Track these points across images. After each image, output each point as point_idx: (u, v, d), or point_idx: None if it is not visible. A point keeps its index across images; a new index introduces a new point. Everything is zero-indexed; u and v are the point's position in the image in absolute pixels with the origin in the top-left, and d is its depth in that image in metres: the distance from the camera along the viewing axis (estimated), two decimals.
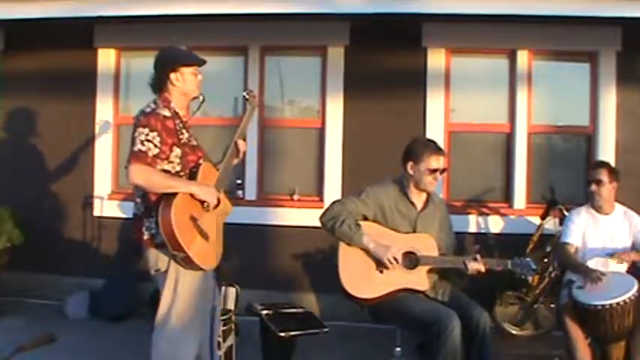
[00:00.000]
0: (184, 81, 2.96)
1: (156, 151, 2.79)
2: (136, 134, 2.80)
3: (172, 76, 2.94)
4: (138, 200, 2.92)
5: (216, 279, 3.12)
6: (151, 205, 2.84)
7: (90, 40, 5.55)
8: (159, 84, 2.98)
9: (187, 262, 2.78)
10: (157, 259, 2.89)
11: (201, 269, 2.85)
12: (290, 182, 5.48)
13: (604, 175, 3.69)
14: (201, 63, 3.02)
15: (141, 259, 3.01)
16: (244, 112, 3.28)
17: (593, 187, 3.69)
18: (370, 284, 3.29)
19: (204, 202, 2.86)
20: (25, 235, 5.14)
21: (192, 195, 2.82)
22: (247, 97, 3.25)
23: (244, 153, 3.20)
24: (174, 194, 2.76)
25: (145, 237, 2.87)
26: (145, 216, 2.87)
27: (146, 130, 2.79)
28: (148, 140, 2.78)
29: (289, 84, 5.60)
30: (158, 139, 2.80)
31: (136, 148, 2.77)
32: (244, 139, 3.19)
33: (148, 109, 2.89)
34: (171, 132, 2.86)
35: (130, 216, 3.04)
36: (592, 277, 3.38)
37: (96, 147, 5.59)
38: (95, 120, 5.59)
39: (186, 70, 2.96)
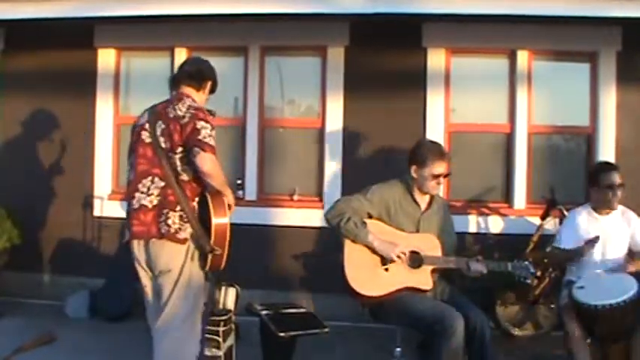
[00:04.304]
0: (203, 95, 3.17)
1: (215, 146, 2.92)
2: (199, 126, 2.86)
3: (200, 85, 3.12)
4: (154, 192, 2.88)
5: (213, 279, 3.15)
6: (180, 199, 2.85)
7: (90, 40, 5.55)
8: (181, 82, 3.08)
9: (215, 260, 2.87)
10: (169, 259, 2.88)
11: (219, 269, 2.94)
12: (290, 182, 5.48)
13: (620, 178, 3.67)
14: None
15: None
16: None
17: (618, 191, 3.64)
18: (376, 282, 3.30)
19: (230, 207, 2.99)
20: (25, 235, 5.13)
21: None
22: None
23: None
24: (221, 194, 2.90)
25: (163, 230, 2.85)
26: (170, 208, 2.86)
27: (209, 126, 2.89)
28: (211, 136, 2.88)
29: (289, 84, 5.60)
30: (214, 134, 2.91)
31: (207, 140, 2.85)
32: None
33: (195, 104, 2.97)
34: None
35: None
36: (587, 248, 3.47)
37: (96, 147, 5.59)
38: (95, 120, 5.58)
39: (207, 91, 3.18)
